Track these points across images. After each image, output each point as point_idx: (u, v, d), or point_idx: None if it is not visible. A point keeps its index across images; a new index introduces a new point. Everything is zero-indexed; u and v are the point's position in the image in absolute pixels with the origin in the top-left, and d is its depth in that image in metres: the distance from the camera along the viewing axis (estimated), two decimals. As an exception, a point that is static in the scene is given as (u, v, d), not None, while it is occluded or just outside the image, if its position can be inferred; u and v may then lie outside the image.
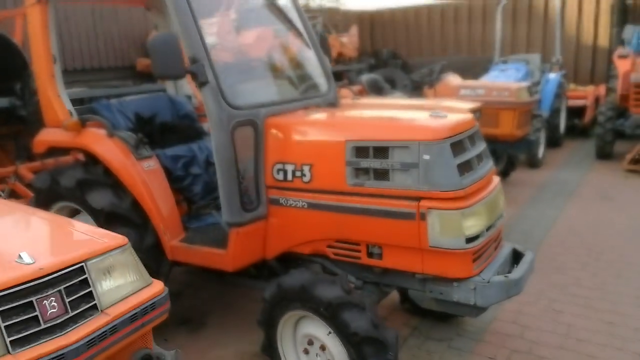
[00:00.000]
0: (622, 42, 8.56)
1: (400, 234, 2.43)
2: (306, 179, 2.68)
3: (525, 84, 6.54)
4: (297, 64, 3.52)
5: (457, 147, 2.42)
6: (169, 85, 4.36)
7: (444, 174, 2.31)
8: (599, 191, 6.27)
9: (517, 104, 6.06)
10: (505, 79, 7.42)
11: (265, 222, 2.85)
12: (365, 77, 7.08)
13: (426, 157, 2.32)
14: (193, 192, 3.45)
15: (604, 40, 11.02)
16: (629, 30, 8.29)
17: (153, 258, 3.11)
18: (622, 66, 8.12)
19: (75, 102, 3.93)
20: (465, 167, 2.42)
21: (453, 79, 6.59)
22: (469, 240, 2.33)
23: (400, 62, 13.23)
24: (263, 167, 2.81)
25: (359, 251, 2.64)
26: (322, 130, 2.70)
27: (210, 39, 3.06)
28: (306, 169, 2.67)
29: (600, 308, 3.51)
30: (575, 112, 9.51)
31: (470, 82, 6.58)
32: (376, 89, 7.05)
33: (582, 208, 5.62)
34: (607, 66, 10.73)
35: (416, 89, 8.00)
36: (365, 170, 2.51)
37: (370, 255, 2.61)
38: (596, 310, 3.48)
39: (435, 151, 2.32)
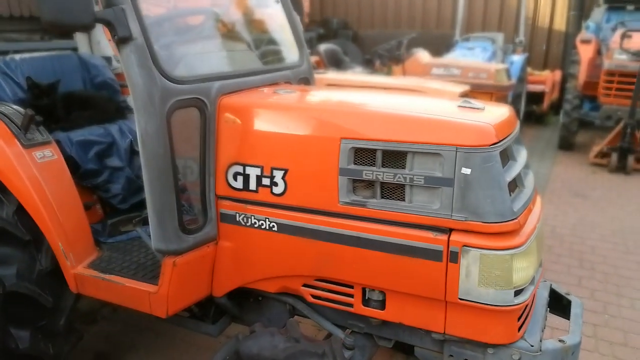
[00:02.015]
0: (587, 27, 8.20)
1: (416, 279, 1.68)
2: (278, 189, 1.85)
3: (503, 65, 5.96)
4: (258, 24, 2.62)
5: (504, 157, 1.68)
6: (82, 42, 3.30)
7: (490, 197, 1.56)
8: (570, 187, 5.87)
9: (496, 87, 5.47)
10: (472, 59, 6.82)
11: (214, 247, 2.00)
12: (324, 47, 6.24)
13: (466, 170, 1.56)
14: (110, 193, 2.51)
15: (560, 24, 10.75)
16: (598, 14, 7.91)
17: (48, 290, 2.18)
18: (585, 52, 7.76)
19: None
20: (513, 186, 1.69)
21: (423, 56, 5.88)
22: (518, 292, 1.62)
23: (350, 33, 12.41)
24: (213, 169, 1.94)
25: (350, 296, 1.86)
26: (304, 119, 1.85)
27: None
28: (278, 175, 1.84)
29: (612, 340, 2.99)
30: (533, 98, 9.16)
31: (444, 61, 5.92)
32: (335, 62, 6.23)
33: (558, 207, 5.18)
34: (562, 50, 10.51)
35: (367, 64, 7.25)
36: (369, 184, 1.72)
37: (366, 302, 1.84)
38: (610, 344, 2.95)
39: (481, 162, 1.56)
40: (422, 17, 12.03)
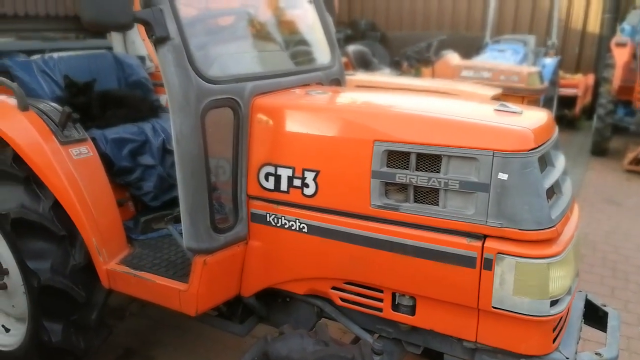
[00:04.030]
0: (622, 30, 7.96)
1: (448, 285, 1.65)
2: (309, 190, 1.84)
3: (535, 68, 5.83)
4: (290, 24, 2.62)
5: (542, 162, 1.64)
6: (117, 42, 3.36)
7: (528, 203, 1.52)
8: (603, 194, 5.70)
9: (528, 90, 5.35)
10: (503, 61, 6.70)
11: (244, 247, 2.01)
12: (352, 49, 6.21)
13: (503, 176, 1.53)
14: (142, 190, 2.54)
15: (594, 26, 10.47)
16: (634, 16, 7.68)
17: (81, 285, 2.22)
18: (620, 55, 7.54)
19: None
20: (550, 193, 1.65)
21: (453, 58, 5.80)
22: (554, 302, 1.58)
23: (378, 35, 12.33)
24: (245, 170, 1.95)
25: (380, 300, 1.84)
26: (336, 121, 1.84)
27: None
28: (310, 176, 1.83)
29: (645, 352, 2.89)
30: (565, 102, 8.95)
31: (474, 63, 5.83)
32: (363, 63, 6.20)
33: (591, 214, 5.03)
34: (596, 53, 10.24)
35: (395, 66, 7.19)
36: (402, 188, 1.70)
37: (396, 307, 1.82)
38: (643, 357, 2.86)
39: (518, 168, 1.52)
40: (451, 19, 11.87)
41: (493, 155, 1.53)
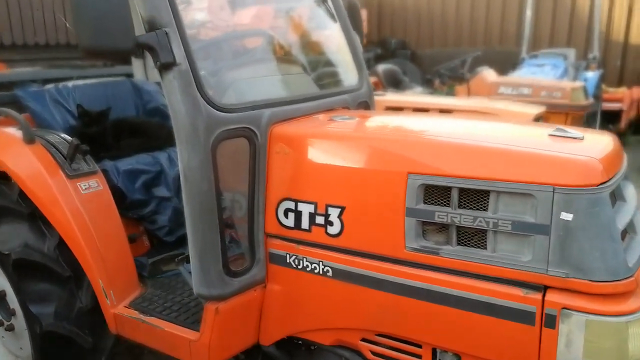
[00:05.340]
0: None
1: (500, 343, 1.38)
2: (333, 229, 1.61)
3: (579, 83, 5.48)
4: (313, 45, 2.43)
5: (612, 197, 1.36)
6: (137, 68, 3.25)
7: (599, 249, 1.25)
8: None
9: (572, 107, 5.00)
10: (543, 77, 6.35)
11: (262, 291, 1.79)
12: (382, 68, 6.00)
13: (567, 216, 1.26)
14: (157, 225, 2.37)
15: (636, 37, 9.97)
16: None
17: (88, 330, 2.05)
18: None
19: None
20: (623, 234, 1.37)
21: (489, 74, 5.51)
22: (633, 368, 1.29)
23: (409, 53, 12.13)
24: (263, 205, 1.74)
25: (418, 356, 1.58)
26: (364, 150, 1.62)
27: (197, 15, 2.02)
28: (334, 213, 1.61)
29: None
30: (608, 117, 8.47)
31: (512, 79, 5.51)
32: (394, 82, 5.97)
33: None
34: (642, 66, 9.73)
35: (427, 84, 6.94)
36: (442, 228, 1.45)
37: (438, 365, 1.56)
38: None
39: (586, 206, 1.25)
40: (484, 34, 11.56)
41: (554, 192, 1.27)
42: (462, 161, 1.42)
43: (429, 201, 1.45)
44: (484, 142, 1.47)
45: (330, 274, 1.64)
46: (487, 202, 1.37)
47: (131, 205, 2.31)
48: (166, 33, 1.54)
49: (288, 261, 1.73)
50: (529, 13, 8.37)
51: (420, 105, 3.69)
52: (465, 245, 1.42)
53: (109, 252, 2.03)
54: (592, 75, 7.45)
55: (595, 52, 8.03)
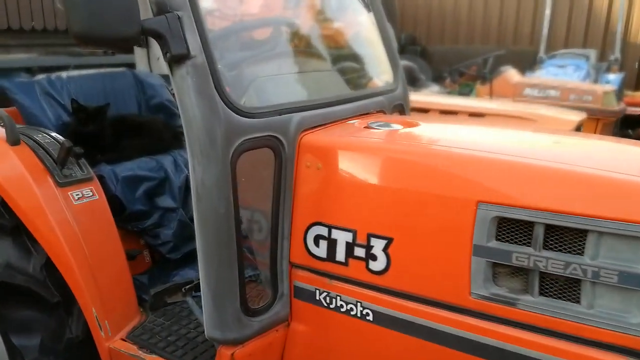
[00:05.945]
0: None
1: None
2: (377, 265, 1.32)
3: (610, 86, 5.18)
4: (344, 39, 2.13)
5: None
6: (140, 57, 2.95)
7: None
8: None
9: (604, 112, 4.70)
10: (565, 78, 6.04)
11: (285, 331, 1.50)
12: (398, 64, 5.66)
13: (697, 270, 0.97)
14: (160, 239, 2.07)
15: (655, 40, 9.65)
16: None
17: (77, 365, 1.75)
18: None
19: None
20: None
21: (512, 75, 5.20)
22: None
23: (419, 49, 11.79)
24: (288, 230, 1.45)
25: None
26: (420, 169, 1.32)
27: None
28: (378, 245, 1.32)
29: None
30: (627, 122, 8.16)
31: (539, 80, 5.20)
32: (410, 80, 5.65)
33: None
34: (661, 69, 9.41)
35: (437, 81, 6.63)
36: (521, 273, 1.16)
37: None
38: None
39: None
40: (497, 33, 11.22)
41: (679, 236, 0.98)
42: (551, 190, 1.13)
43: (504, 238, 1.16)
44: (579, 167, 1.17)
45: (370, 317, 1.35)
46: (584, 244, 1.08)
47: (131, 217, 2.01)
48: (179, 17, 1.25)
49: (317, 298, 1.44)
50: (547, 12, 8.05)
51: (448, 108, 3.39)
52: (551, 296, 1.13)
53: (104, 274, 1.74)
54: (614, 77, 7.15)
55: (617, 53, 7.72)
